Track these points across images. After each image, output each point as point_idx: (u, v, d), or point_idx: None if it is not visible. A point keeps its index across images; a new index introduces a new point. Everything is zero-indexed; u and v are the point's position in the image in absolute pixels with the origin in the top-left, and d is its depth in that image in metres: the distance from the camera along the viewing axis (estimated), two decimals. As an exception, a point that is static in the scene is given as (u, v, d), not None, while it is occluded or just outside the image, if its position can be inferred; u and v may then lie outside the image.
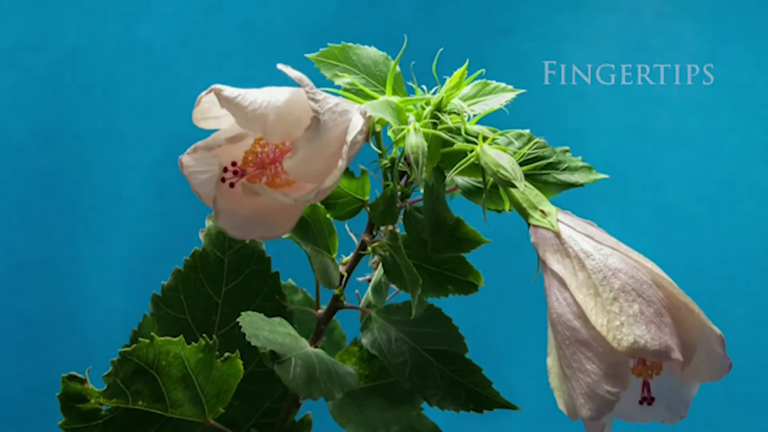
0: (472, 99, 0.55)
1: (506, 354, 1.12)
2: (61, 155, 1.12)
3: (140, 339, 0.55)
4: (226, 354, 0.56)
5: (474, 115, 0.53)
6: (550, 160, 0.54)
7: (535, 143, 0.54)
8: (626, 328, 0.45)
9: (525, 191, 0.50)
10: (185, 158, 0.50)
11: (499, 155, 0.50)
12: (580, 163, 0.55)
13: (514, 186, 0.49)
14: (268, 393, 0.64)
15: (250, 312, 0.56)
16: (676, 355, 0.45)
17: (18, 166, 1.12)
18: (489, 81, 0.55)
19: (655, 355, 0.45)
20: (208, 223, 0.64)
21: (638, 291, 0.47)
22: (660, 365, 0.49)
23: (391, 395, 0.64)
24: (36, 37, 1.12)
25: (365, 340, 0.60)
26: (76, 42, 1.12)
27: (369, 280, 0.64)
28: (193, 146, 0.50)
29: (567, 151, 0.55)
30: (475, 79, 0.55)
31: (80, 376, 0.56)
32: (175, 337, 0.62)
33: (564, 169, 0.55)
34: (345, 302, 0.62)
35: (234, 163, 0.50)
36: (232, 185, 0.50)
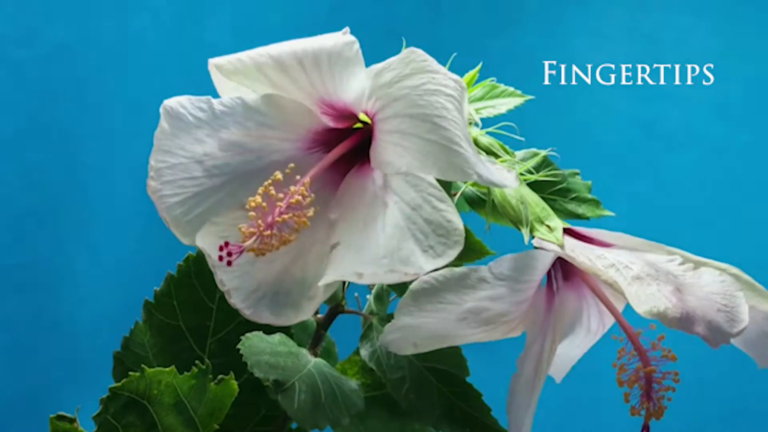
0: (480, 101, 0.54)
1: (507, 379, 1.11)
2: (50, 153, 1.11)
3: (130, 373, 0.54)
4: (220, 376, 0.55)
5: (481, 120, 0.53)
6: (559, 186, 0.54)
7: (548, 168, 0.53)
8: (646, 298, 0.43)
9: (531, 205, 0.49)
10: (152, 183, 0.47)
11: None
12: (589, 196, 0.55)
13: (518, 228, 0.49)
14: (264, 401, 0.63)
15: (249, 335, 0.55)
16: (700, 329, 0.43)
17: (5, 165, 1.10)
18: (497, 84, 0.55)
19: (675, 323, 0.42)
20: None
21: (654, 276, 0.44)
22: (662, 410, 0.47)
23: (393, 405, 0.62)
24: (23, 31, 1.11)
25: (364, 352, 0.58)
26: (65, 36, 1.11)
27: (369, 283, 0.63)
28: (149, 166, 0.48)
29: (577, 174, 0.55)
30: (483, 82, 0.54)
31: (69, 415, 0.55)
32: (168, 343, 0.61)
33: (572, 199, 0.54)
34: (345, 306, 0.61)
35: (227, 244, 0.46)
36: (229, 264, 0.46)
